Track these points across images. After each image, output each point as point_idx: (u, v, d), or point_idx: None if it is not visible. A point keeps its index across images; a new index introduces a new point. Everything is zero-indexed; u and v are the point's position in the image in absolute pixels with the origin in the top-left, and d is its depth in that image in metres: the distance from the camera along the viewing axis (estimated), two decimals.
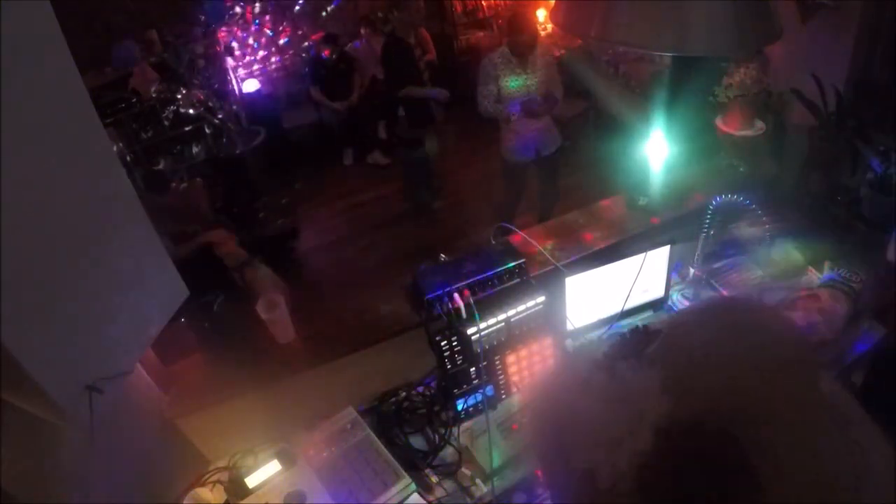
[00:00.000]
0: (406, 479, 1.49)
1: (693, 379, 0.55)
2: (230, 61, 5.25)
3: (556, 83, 3.29)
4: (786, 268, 1.97)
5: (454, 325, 1.55)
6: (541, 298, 1.64)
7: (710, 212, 1.85)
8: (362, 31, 5.25)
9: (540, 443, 0.64)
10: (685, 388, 0.54)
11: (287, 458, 1.56)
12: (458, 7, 5.99)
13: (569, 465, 0.56)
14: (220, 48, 5.03)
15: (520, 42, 3.07)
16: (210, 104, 4.74)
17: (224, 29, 5.24)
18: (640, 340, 0.64)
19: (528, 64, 3.14)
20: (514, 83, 3.15)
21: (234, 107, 5.12)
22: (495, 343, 1.62)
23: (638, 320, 1.91)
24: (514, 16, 3.27)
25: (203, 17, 4.90)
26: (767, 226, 1.89)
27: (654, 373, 0.57)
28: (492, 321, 1.58)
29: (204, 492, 1.49)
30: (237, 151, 4.87)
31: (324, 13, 5.63)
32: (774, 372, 0.54)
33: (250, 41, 5.50)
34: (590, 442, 0.55)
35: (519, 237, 1.91)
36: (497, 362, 1.66)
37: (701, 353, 0.56)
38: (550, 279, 1.77)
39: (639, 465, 0.51)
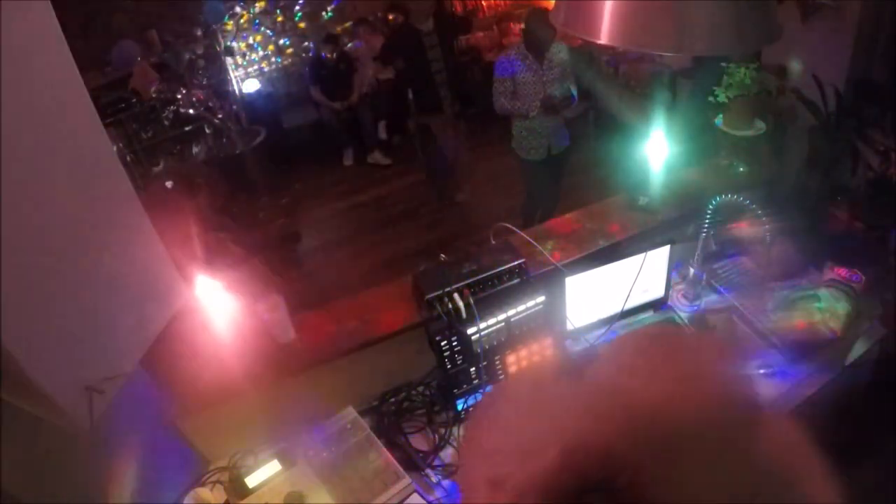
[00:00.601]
0: (406, 479, 1.49)
1: (614, 404, 0.53)
2: (230, 61, 5.25)
3: (571, 80, 3.31)
4: (786, 268, 1.97)
5: (454, 325, 1.55)
6: (541, 298, 1.64)
7: (710, 212, 1.85)
8: (360, 30, 5.26)
9: (467, 445, 0.64)
10: (604, 412, 0.53)
11: (287, 458, 1.56)
12: (459, 7, 6.00)
13: (483, 470, 0.56)
14: (220, 48, 5.03)
15: (537, 39, 3.08)
16: (210, 104, 4.75)
17: (224, 29, 5.24)
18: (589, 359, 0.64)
19: (545, 61, 3.16)
20: (529, 80, 3.16)
21: (234, 107, 5.12)
22: (495, 343, 1.62)
23: (638, 320, 1.91)
24: (533, 13, 3.28)
25: (203, 17, 4.90)
26: (767, 226, 1.89)
27: (584, 392, 0.57)
28: (492, 321, 1.58)
29: (204, 492, 1.49)
30: (237, 151, 4.87)
31: (324, 13, 5.63)
32: (699, 411, 0.51)
33: (250, 41, 5.50)
34: (506, 450, 0.55)
35: (519, 237, 1.91)
36: (497, 362, 1.66)
37: (628, 379, 0.55)
38: (550, 279, 1.77)
39: (543, 482, 0.50)
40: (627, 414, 0.51)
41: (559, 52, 3.21)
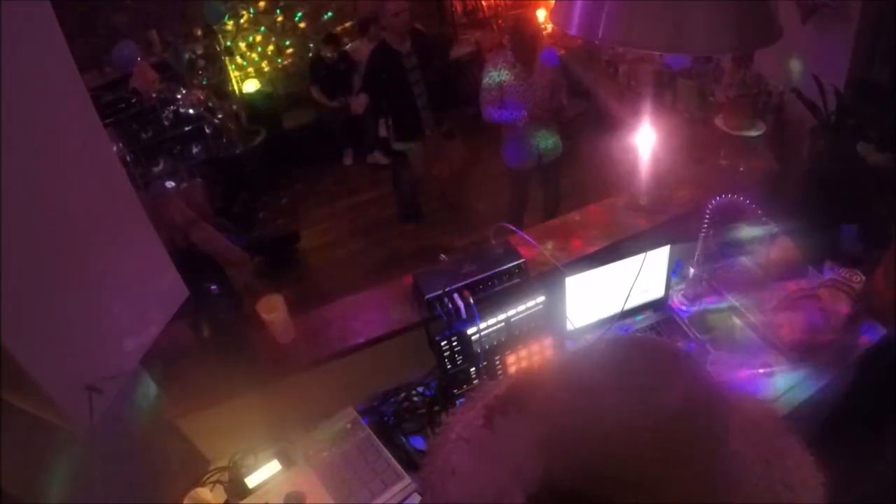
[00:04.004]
0: (406, 479, 1.49)
1: (569, 437, 0.49)
2: (230, 61, 5.25)
3: (560, 87, 3.26)
4: (786, 268, 1.97)
5: (454, 325, 1.55)
6: (541, 298, 1.64)
7: (709, 212, 1.85)
8: (371, 30, 5.20)
9: (428, 497, 0.59)
10: (560, 447, 0.49)
11: (287, 458, 1.56)
12: (458, 7, 5.99)
13: None
14: (220, 48, 5.03)
15: (524, 45, 3.05)
16: (210, 104, 4.74)
17: (224, 29, 5.23)
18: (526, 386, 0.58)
19: (533, 69, 3.12)
20: (517, 88, 3.13)
21: (234, 107, 5.12)
22: (495, 343, 1.62)
23: (638, 320, 1.91)
24: (519, 19, 3.25)
25: (203, 17, 4.90)
26: (767, 226, 1.89)
27: (533, 427, 0.51)
28: (492, 321, 1.58)
29: (204, 492, 1.49)
30: (237, 151, 4.87)
31: (324, 13, 5.63)
32: (661, 430, 0.47)
33: (250, 41, 5.50)
34: (465, 501, 0.52)
35: (519, 237, 1.91)
36: (497, 362, 1.66)
37: (581, 404, 0.50)
38: (550, 279, 1.77)
39: None
40: (587, 448, 0.48)
41: (548, 59, 3.17)
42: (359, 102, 4.57)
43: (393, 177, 4.43)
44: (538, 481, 0.48)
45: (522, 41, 3.04)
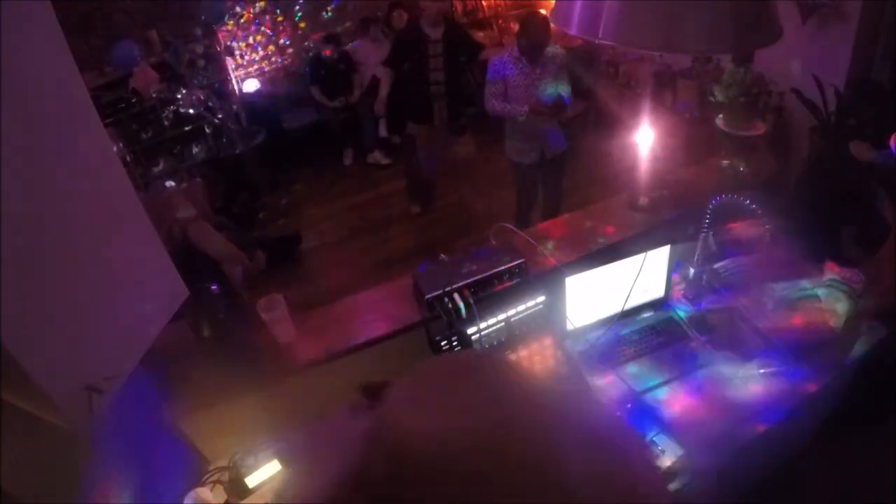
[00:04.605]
0: None
1: (392, 451, 0.52)
2: (230, 61, 5.25)
3: (564, 86, 3.27)
4: (786, 268, 1.97)
5: (454, 325, 1.55)
6: (541, 298, 1.64)
7: (709, 212, 1.85)
8: (370, 30, 5.20)
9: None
10: (384, 467, 0.52)
11: (287, 458, 1.56)
12: (459, 7, 6.00)
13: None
14: (220, 48, 5.03)
15: (531, 43, 3.07)
16: (210, 104, 4.74)
17: (224, 29, 5.24)
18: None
19: (538, 65, 3.14)
20: (521, 83, 3.15)
21: (234, 107, 5.12)
22: (495, 343, 1.62)
23: (638, 320, 1.91)
24: (528, 16, 3.26)
25: (203, 17, 4.90)
26: (767, 226, 1.89)
27: (367, 434, 0.55)
28: (492, 321, 1.59)
29: (204, 492, 1.49)
30: (237, 151, 4.87)
31: (325, 13, 5.63)
32: (486, 442, 0.49)
33: (250, 41, 5.50)
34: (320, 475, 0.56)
35: (519, 237, 1.91)
36: None
37: (413, 417, 0.53)
38: (550, 279, 1.77)
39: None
40: (413, 461, 0.50)
41: (554, 56, 3.18)
42: (384, 81, 4.55)
43: (404, 157, 4.52)
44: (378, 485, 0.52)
45: (530, 36, 3.06)
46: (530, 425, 0.52)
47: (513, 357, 1.65)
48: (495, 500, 0.48)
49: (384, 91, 4.45)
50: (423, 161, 4.24)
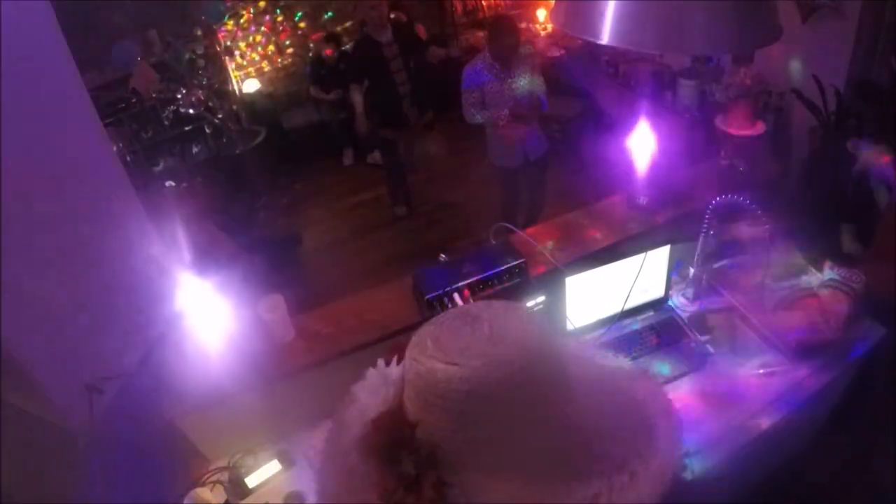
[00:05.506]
0: None
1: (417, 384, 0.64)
2: (230, 61, 5.25)
3: (539, 85, 3.25)
4: (786, 268, 1.97)
5: None
6: (541, 298, 1.64)
7: (709, 212, 1.85)
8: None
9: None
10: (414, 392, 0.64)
11: (287, 458, 1.56)
12: (459, 7, 5.99)
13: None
14: (220, 48, 5.03)
15: (501, 47, 3.05)
16: (210, 104, 4.74)
17: (224, 29, 5.24)
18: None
19: (512, 68, 3.12)
20: (497, 88, 3.12)
21: (234, 107, 5.12)
22: None
23: (638, 320, 1.91)
24: (496, 21, 3.26)
25: (203, 17, 4.90)
26: (767, 226, 1.89)
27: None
28: None
29: (204, 492, 1.49)
30: (237, 151, 4.87)
31: (324, 13, 5.63)
32: (501, 377, 0.59)
33: (250, 41, 5.50)
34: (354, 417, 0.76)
35: (519, 237, 1.91)
36: None
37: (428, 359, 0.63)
38: (550, 279, 1.77)
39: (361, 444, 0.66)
40: (441, 390, 0.60)
41: (526, 57, 3.16)
42: (355, 98, 4.35)
43: (383, 162, 4.54)
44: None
45: (500, 41, 3.05)
46: (535, 357, 0.62)
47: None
48: (514, 412, 0.59)
49: (359, 108, 4.02)
50: (406, 162, 4.26)
